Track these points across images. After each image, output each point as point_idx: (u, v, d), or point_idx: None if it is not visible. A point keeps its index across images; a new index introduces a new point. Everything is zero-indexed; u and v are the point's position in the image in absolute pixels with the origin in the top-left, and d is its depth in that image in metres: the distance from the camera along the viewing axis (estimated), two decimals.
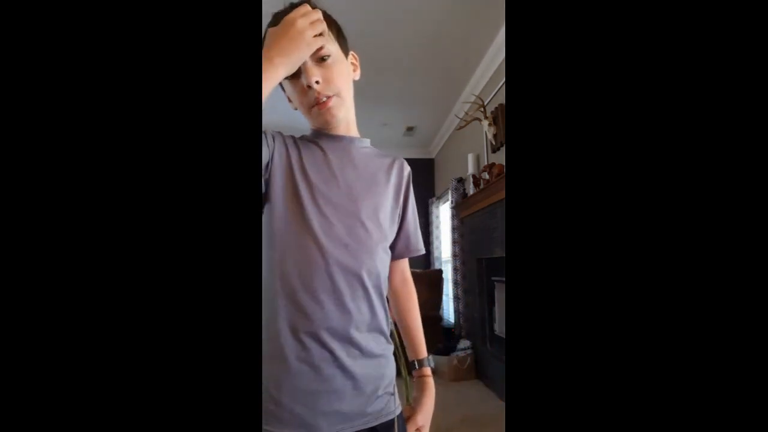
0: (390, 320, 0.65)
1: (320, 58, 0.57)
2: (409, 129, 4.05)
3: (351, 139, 0.66)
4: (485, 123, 2.74)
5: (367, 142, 0.68)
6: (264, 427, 0.53)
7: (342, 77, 0.60)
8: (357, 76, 0.66)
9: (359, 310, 0.58)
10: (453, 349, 3.06)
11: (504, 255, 2.41)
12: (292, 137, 0.64)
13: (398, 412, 0.62)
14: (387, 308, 0.63)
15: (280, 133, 0.62)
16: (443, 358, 2.94)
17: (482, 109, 2.76)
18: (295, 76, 0.57)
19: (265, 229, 0.58)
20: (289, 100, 0.64)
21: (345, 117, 0.64)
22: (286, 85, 0.61)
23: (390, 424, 0.59)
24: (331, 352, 0.55)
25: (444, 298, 3.92)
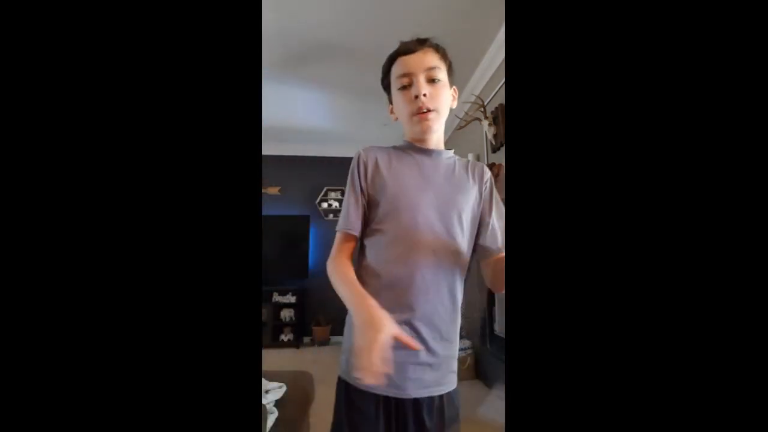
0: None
1: (431, 79, 0.70)
2: None
3: (439, 152, 0.77)
4: (485, 123, 2.73)
5: (451, 152, 0.79)
6: (355, 383, 0.68)
7: (444, 99, 0.72)
8: (454, 104, 0.78)
9: (443, 302, 0.70)
10: None
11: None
12: (385, 148, 0.77)
13: (455, 386, 0.75)
14: (461, 300, 0.75)
15: (371, 148, 0.75)
16: None
17: (482, 109, 2.76)
18: (406, 88, 0.71)
19: (366, 231, 0.72)
20: (391, 112, 0.78)
21: (437, 132, 0.75)
22: (396, 95, 0.73)
23: (452, 393, 0.73)
24: (419, 334, 0.68)
25: None
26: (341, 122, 3.90)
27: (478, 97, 2.81)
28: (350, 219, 0.72)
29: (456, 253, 0.71)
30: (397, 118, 0.76)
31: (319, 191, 4.55)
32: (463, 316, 3.45)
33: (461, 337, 3.19)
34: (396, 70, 0.72)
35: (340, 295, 0.66)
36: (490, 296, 2.85)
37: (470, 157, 3.16)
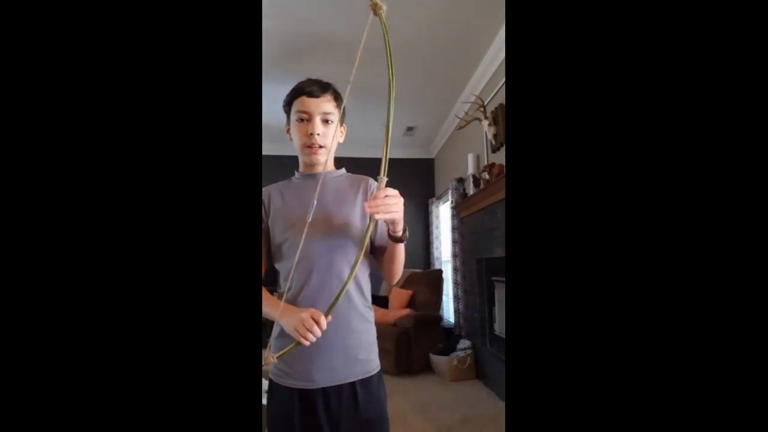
0: (371, 309, 0.87)
1: (325, 120, 0.83)
2: (409, 129, 4.05)
3: (325, 174, 0.87)
4: (485, 123, 2.74)
5: (340, 171, 0.92)
6: (276, 380, 0.80)
7: (332, 137, 0.85)
8: (341, 140, 0.91)
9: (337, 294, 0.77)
10: (453, 349, 3.06)
11: (504, 255, 2.40)
12: (279, 184, 0.92)
13: (377, 371, 0.84)
14: (365, 297, 0.85)
15: (267, 191, 0.89)
16: (443, 358, 2.94)
17: (482, 109, 2.76)
18: (304, 121, 0.83)
19: (275, 256, 0.85)
20: (288, 132, 0.89)
21: (324, 162, 0.88)
22: (294, 124, 0.85)
23: (368, 379, 0.82)
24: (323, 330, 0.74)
25: (444, 298, 3.92)
26: None
27: (478, 97, 2.81)
28: None
29: (345, 253, 0.82)
30: (291, 139, 0.90)
31: None
32: (463, 316, 3.44)
33: (461, 338, 3.20)
34: (297, 105, 0.84)
35: (267, 316, 0.77)
36: (490, 296, 2.85)
37: (470, 157, 3.16)
